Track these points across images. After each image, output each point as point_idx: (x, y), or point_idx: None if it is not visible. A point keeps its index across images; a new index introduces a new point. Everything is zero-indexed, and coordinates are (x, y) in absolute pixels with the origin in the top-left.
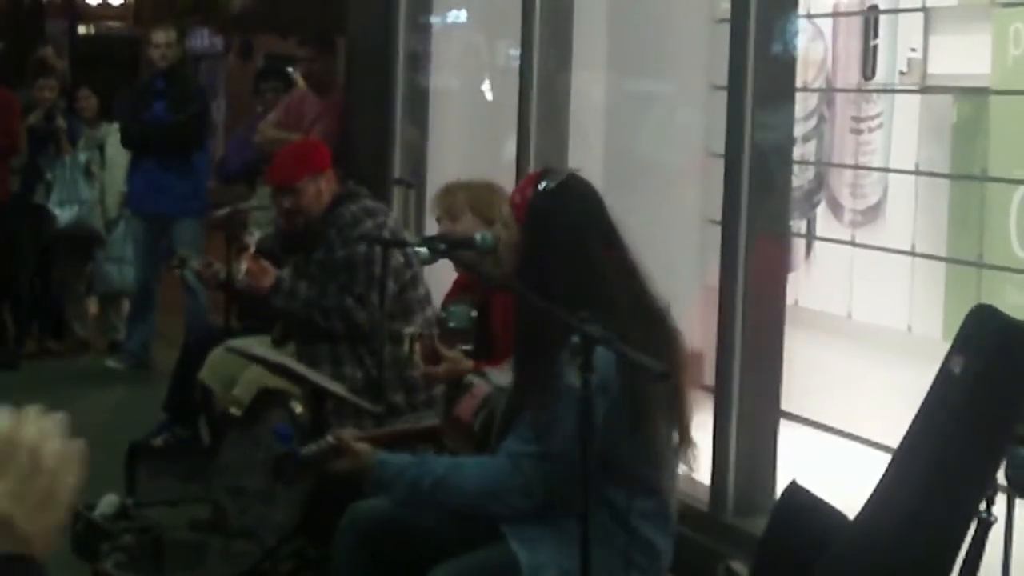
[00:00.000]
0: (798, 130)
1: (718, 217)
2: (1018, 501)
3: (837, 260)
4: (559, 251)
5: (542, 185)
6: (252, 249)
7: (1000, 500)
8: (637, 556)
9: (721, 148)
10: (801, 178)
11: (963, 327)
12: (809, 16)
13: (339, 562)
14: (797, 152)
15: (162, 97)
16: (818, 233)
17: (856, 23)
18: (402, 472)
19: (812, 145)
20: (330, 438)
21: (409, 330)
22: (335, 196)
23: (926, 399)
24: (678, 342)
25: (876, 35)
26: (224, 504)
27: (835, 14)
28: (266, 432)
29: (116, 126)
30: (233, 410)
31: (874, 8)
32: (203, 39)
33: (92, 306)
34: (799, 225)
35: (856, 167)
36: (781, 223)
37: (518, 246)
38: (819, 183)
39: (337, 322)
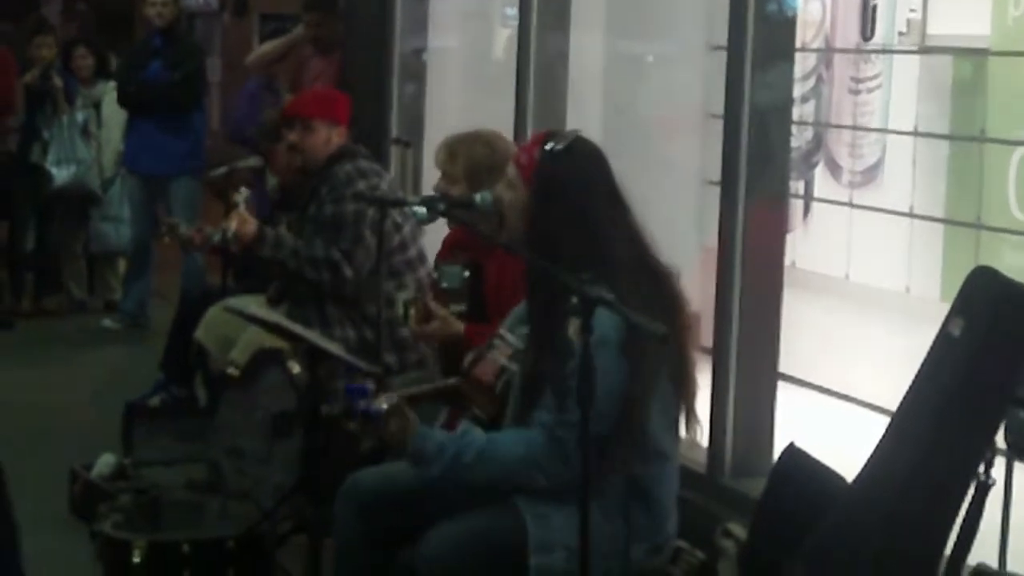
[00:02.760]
0: (796, 90)
1: (717, 178)
2: (1017, 464)
3: (835, 221)
4: (568, 212)
5: (549, 146)
6: (241, 207)
7: (999, 463)
8: (645, 521)
9: (720, 109)
10: (799, 139)
11: (963, 289)
12: None
13: (340, 531)
14: (796, 113)
15: (159, 56)
16: (816, 194)
17: None
18: (443, 446)
19: (811, 106)
20: (394, 397)
21: (403, 295)
22: (331, 153)
23: (925, 361)
24: (682, 302)
25: None
26: (221, 465)
27: None
28: (263, 393)
29: (112, 85)
30: (231, 371)
31: None
32: None
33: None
34: (797, 186)
35: (855, 128)
36: (780, 184)
37: (526, 207)
38: (817, 144)
39: (325, 273)
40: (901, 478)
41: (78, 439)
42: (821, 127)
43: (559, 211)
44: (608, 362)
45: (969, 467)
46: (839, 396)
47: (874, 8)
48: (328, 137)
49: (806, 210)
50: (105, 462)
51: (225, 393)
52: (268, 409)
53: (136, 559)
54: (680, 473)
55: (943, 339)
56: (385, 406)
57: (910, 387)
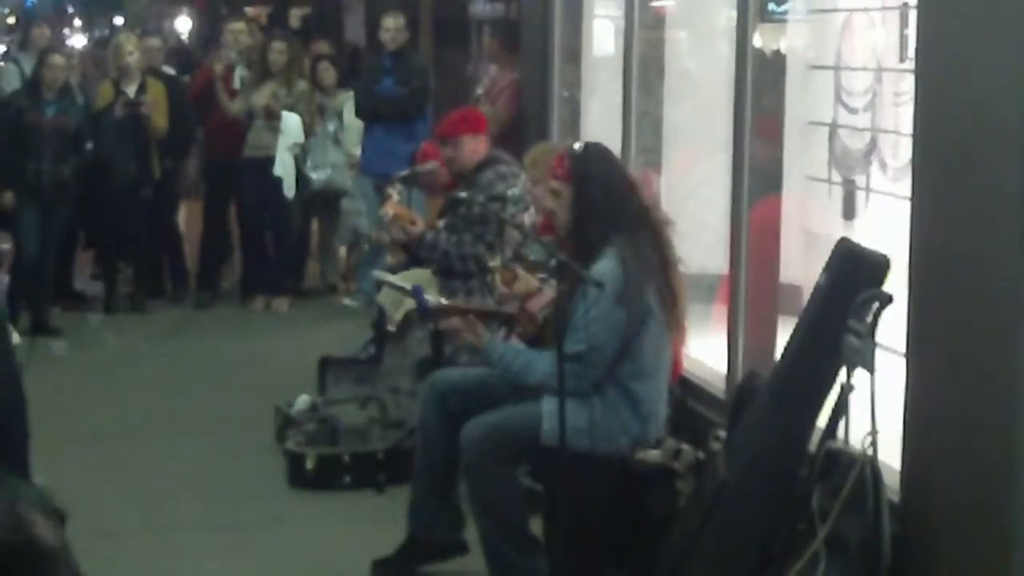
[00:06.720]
0: (859, 102)
1: (815, 175)
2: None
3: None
4: (597, 187)
5: (574, 150)
6: (395, 198)
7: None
8: (634, 421)
9: (816, 117)
10: (860, 141)
11: (831, 253)
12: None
13: (422, 415)
14: (858, 121)
15: (390, 74)
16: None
17: (894, 16)
18: (503, 355)
19: (868, 115)
20: (442, 300)
21: (492, 263)
22: (479, 161)
23: (807, 301)
24: (669, 245)
25: (907, 26)
26: (385, 400)
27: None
28: (412, 343)
29: (351, 94)
30: (390, 327)
31: (905, 5)
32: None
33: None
34: (860, 180)
35: (896, 133)
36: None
37: (571, 200)
38: (873, 146)
39: (471, 265)
40: (782, 377)
41: (298, 387)
42: (875, 132)
43: (592, 188)
44: (607, 309)
45: (828, 373)
46: None
47: (906, 36)
48: (474, 147)
49: (866, 199)
50: (302, 401)
51: (387, 345)
52: (415, 355)
53: (309, 466)
54: (700, 394)
55: (815, 287)
56: (434, 302)
57: (801, 315)
